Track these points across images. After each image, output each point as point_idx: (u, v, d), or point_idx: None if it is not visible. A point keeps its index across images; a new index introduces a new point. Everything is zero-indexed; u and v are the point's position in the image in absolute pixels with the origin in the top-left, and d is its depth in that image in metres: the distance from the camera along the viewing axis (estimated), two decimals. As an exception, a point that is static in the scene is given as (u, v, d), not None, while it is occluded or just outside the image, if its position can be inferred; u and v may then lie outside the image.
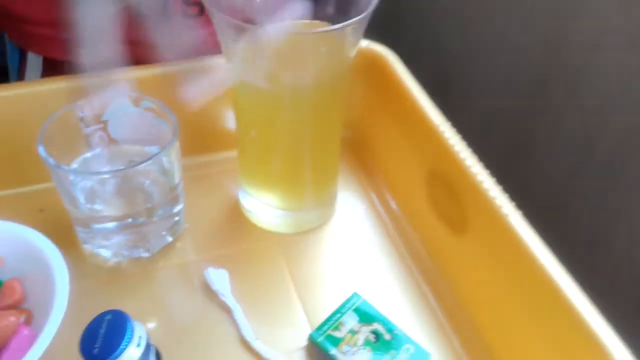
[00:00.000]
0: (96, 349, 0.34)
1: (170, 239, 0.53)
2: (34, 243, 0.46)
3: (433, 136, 0.50)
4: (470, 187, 0.47)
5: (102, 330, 0.34)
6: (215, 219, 0.57)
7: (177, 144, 0.48)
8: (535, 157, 0.88)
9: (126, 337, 0.34)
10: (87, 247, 0.52)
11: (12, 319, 0.42)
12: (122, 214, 0.50)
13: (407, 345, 0.44)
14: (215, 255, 0.53)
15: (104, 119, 0.51)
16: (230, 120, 0.61)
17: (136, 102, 0.51)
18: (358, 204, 0.59)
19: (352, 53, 0.46)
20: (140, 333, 0.35)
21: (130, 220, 0.49)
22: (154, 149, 0.52)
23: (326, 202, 0.56)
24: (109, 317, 0.35)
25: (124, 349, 0.34)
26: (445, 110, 0.52)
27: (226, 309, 0.49)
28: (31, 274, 0.46)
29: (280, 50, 0.42)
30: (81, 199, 0.50)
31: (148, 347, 0.36)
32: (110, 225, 0.50)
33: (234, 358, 0.46)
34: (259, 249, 0.54)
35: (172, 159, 0.49)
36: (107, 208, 0.50)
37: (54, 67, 0.68)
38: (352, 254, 0.54)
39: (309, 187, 0.54)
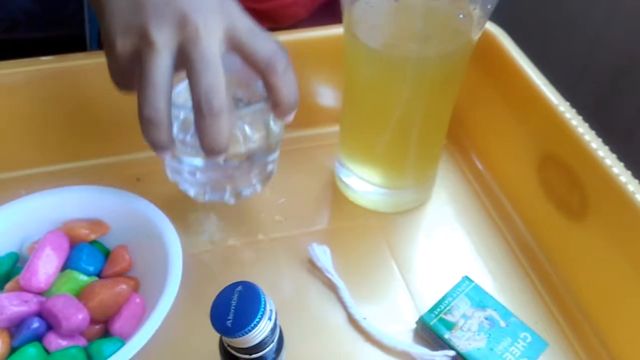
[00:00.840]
0: (229, 321, 0.33)
1: (259, 187, 0.50)
2: (141, 210, 0.46)
3: (550, 118, 0.48)
4: (594, 171, 0.44)
5: (233, 302, 0.33)
6: (311, 194, 0.56)
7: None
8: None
9: (260, 309, 0.33)
10: (175, 182, 0.50)
11: (124, 286, 0.43)
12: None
13: (524, 334, 0.43)
14: (313, 231, 0.52)
15: None
16: (328, 96, 0.60)
17: None
18: (456, 186, 0.57)
19: (479, 30, 0.44)
20: (271, 306, 0.34)
21: (220, 160, 0.47)
22: (258, 85, 0.49)
23: (426, 183, 0.55)
24: (239, 288, 0.34)
25: (259, 321, 0.33)
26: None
27: (330, 286, 0.48)
28: (137, 242, 0.46)
29: (411, 14, 0.40)
30: (175, 127, 0.48)
31: (276, 321, 0.35)
32: (198, 161, 0.47)
33: (342, 337, 0.45)
34: (357, 226, 0.53)
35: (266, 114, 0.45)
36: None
37: None
38: (453, 236, 0.53)
39: (412, 165, 0.52)
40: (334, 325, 0.45)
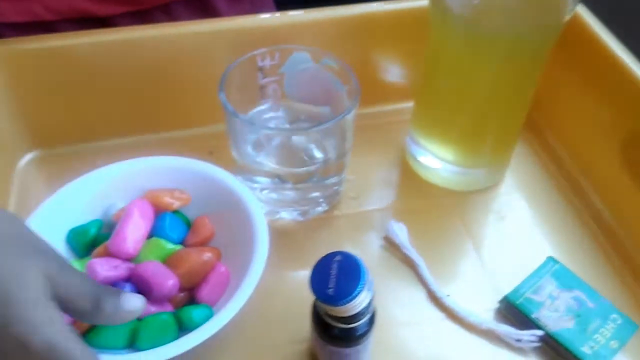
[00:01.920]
0: (330, 290, 0.33)
1: (325, 207, 0.51)
2: (222, 181, 0.46)
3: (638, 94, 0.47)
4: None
5: (333, 271, 0.33)
6: (382, 171, 0.55)
7: (353, 112, 0.45)
8: None
9: (362, 279, 0.32)
10: None
11: (210, 254, 0.42)
12: (281, 172, 0.48)
13: (614, 316, 0.42)
14: (387, 208, 0.52)
15: (281, 71, 0.49)
16: (399, 73, 0.59)
17: (316, 58, 0.48)
18: (531, 167, 0.56)
19: (574, 6, 0.42)
20: (369, 277, 0.33)
21: (287, 180, 0.48)
22: (324, 110, 0.50)
23: (501, 163, 0.54)
24: (338, 258, 0.34)
25: (361, 291, 0.32)
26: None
27: (408, 263, 0.47)
28: (218, 212, 0.46)
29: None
30: (248, 148, 0.48)
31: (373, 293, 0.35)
32: (266, 180, 0.48)
33: (423, 313, 0.44)
34: (430, 204, 0.52)
35: (346, 127, 0.46)
36: (268, 163, 0.48)
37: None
38: (528, 217, 0.52)
39: (489, 144, 0.51)
40: (414, 302, 0.45)
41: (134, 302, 0.34)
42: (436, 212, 0.52)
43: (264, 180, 0.48)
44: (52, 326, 0.30)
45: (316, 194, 0.50)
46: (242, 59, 0.47)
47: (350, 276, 0.33)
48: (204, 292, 0.41)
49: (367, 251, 0.48)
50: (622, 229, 0.49)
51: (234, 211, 0.45)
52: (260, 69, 0.49)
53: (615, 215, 0.50)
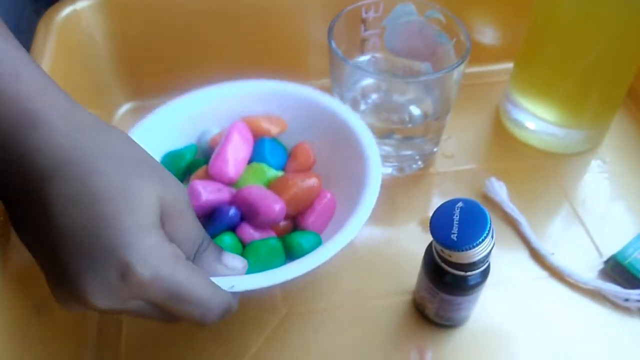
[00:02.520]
0: (454, 235, 0.33)
1: (421, 165, 0.51)
2: (323, 105, 0.43)
3: None
4: None
5: (455, 217, 0.33)
6: (477, 131, 0.55)
7: (462, 67, 0.43)
8: None
9: (487, 226, 0.32)
10: None
11: (315, 180, 0.40)
12: (379, 126, 0.47)
13: None
14: (484, 168, 0.51)
15: (384, 24, 0.49)
16: (494, 33, 0.58)
17: (421, 10, 0.47)
18: (630, 133, 0.54)
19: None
20: (493, 225, 0.33)
21: (385, 136, 0.47)
22: (425, 67, 0.49)
23: (601, 126, 0.52)
24: (460, 204, 0.34)
25: (485, 237, 0.32)
26: None
27: (508, 221, 0.47)
28: (318, 138, 0.44)
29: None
30: (356, 96, 0.48)
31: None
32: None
33: (527, 271, 0.44)
34: (528, 165, 0.52)
35: (451, 83, 0.45)
36: (367, 119, 0.46)
37: None
38: (628, 181, 0.51)
39: (592, 106, 0.50)
40: (517, 259, 0.45)
41: (233, 262, 0.32)
42: (534, 173, 0.51)
43: None
44: (162, 259, 0.28)
45: (412, 151, 0.50)
46: (348, 9, 0.47)
47: (475, 222, 0.33)
48: (310, 220, 0.39)
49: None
50: None
51: (338, 138, 0.42)
52: (364, 20, 0.49)
53: None
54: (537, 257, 0.45)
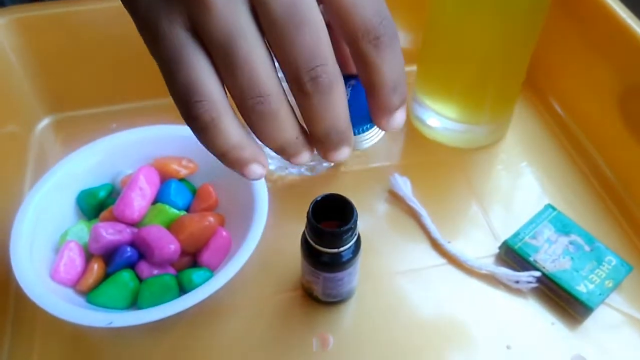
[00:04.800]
0: None
1: (332, 163, 0.52)
2: None
3: (636, 48, 0.48)
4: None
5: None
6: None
7: None
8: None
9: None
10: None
11: (212, 219, 0.44)
12: None
13: (609, 257, 0.44)
14: (391, 165, 0.54)
15: None
16: (403, 37, 0.60)
17: None
18: (531, 124, 0.57)
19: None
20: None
21: None
22: None
23: (502, 120, 0.55)
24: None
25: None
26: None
27: (411, 214, 0.49)
28: (222, 180, 0.46)
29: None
30: None
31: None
32: None
33: (426, 259, 0.46)
34: (434, 161, 0.54)
35: None
36: None
37: None
38: (529, 172, 0.53)
39: (490, 101, 0.53)
40: (418, 249, 0.47)
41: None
42: (440, 168, 0.53)
43: None
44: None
45: None
46: None
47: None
48: (205, 256, 0.43)
49: (372, 204, 0.50)
50: (619, 181, 0.51)
51: (237, 179, 0.44)
52: None
53: (611, 166, 0.52)
54: (436, 246, 0.47)
